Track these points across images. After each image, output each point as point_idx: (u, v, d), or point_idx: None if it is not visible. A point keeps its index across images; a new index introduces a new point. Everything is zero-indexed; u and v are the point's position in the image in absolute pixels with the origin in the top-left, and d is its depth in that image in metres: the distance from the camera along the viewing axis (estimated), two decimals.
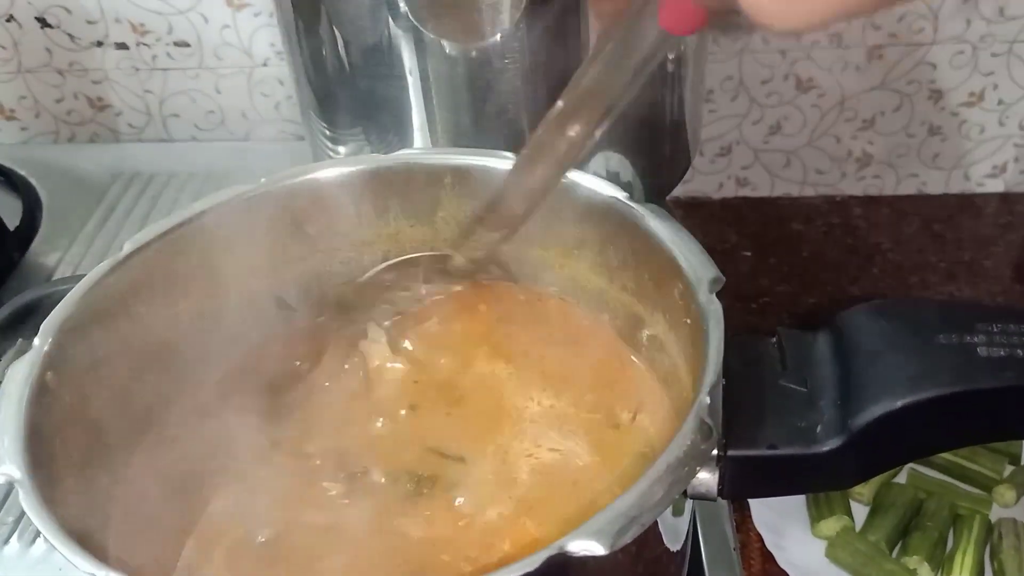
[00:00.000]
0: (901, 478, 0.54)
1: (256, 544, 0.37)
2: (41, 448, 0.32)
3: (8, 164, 0.75)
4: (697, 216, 0.77)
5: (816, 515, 0.52)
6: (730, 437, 0.31)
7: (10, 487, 0.51)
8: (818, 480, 0.32)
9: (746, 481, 0.32)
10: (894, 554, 0.50)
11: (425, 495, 0.37)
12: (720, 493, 0.31)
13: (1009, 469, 0.54)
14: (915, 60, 0.72)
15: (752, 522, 0.51)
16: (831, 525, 0.51)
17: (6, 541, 0.49)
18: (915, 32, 0.71)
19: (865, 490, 0.53)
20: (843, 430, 0.31)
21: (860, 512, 0.53)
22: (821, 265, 0.72)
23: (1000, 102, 0.74)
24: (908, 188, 0.79)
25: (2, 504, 0.51)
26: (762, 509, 0.52)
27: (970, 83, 0.73)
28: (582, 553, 0.26)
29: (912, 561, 0.49)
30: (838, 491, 0.52)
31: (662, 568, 0.36)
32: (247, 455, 0.39)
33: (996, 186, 0.79)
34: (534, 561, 0.25)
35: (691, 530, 0.39)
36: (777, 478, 0.32)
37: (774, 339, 0.35)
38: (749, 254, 0.73)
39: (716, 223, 0.76)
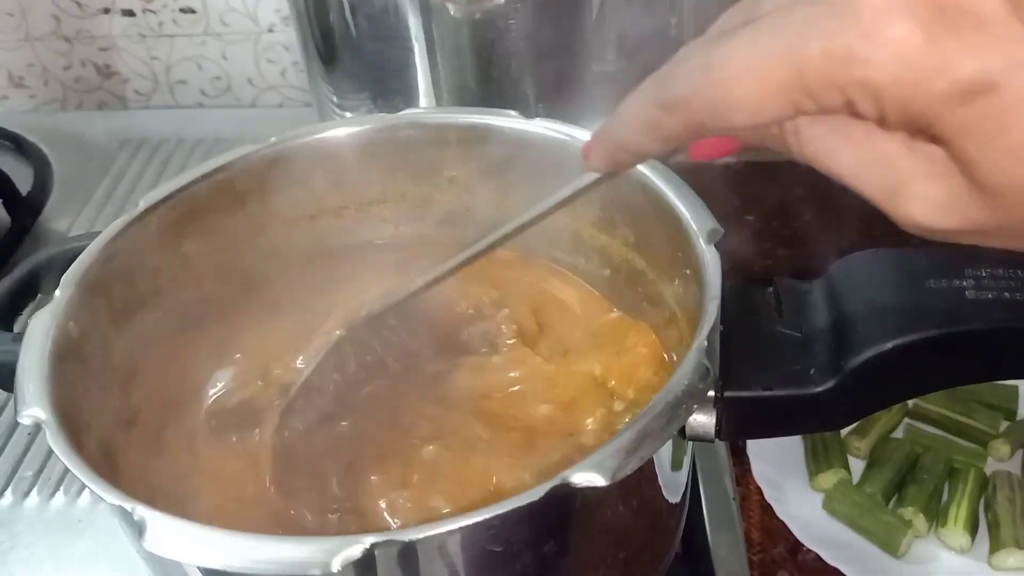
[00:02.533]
0: (898, 433, 0.55)
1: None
2: (64, 394, 0.33)
3: (18, 131, 0.76)
4: (700, 181, 0.77)
5: (814, 469, 0.53)
6: (728, 380, 0.32)
7: (29, 442, 0.53)
8: (812, 420, 0.33)
9: (743, 422, 0.33)
10: (890, 506, 0.51)
11: None
12: (718, 434, 0.32)
13: (1004, 425, 0.55)
14: None
15: (752, 476, 0.52)
16: (829, 478, 0.52)
17: (26, 495, 0.50)
18: None
19: (862, 444, 0.54)
20: (836, 372, 0.32)
21: (857, 467, 0.54)
22: (823, 229, 0.72)
23: None
24: None
25: (22, 459, 0.52)
26: (761, 463, 0.53)
27: None
28: (584, 484, 0.27)
29: (908, 512, 0.50)
30: (832, 431, 0.53)
31: (662, 519, 0.37)
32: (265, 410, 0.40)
33: None
34: (538, 491, 0.27)
35: (692, 483, 0.40)
36: (773, 419, 0.33)
37: (771, 288, 0.36)
38: (751, 218, 0.74)
39: (719, 188, 0.77)
